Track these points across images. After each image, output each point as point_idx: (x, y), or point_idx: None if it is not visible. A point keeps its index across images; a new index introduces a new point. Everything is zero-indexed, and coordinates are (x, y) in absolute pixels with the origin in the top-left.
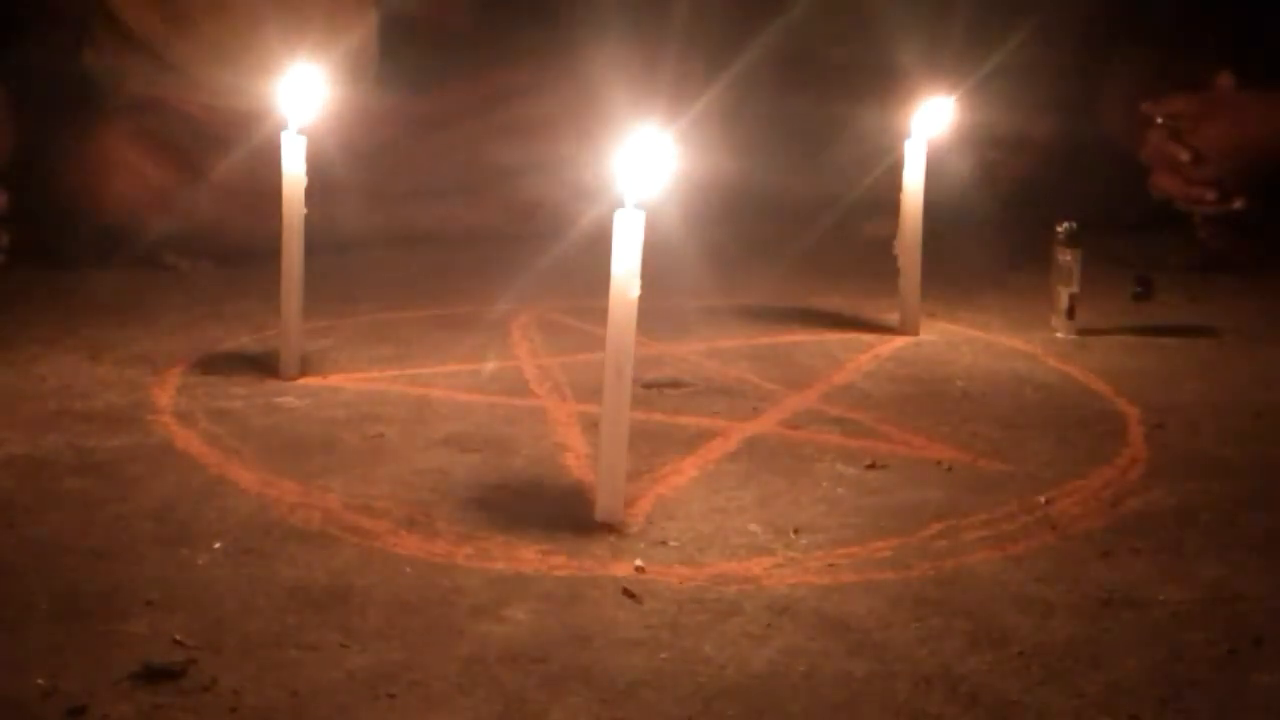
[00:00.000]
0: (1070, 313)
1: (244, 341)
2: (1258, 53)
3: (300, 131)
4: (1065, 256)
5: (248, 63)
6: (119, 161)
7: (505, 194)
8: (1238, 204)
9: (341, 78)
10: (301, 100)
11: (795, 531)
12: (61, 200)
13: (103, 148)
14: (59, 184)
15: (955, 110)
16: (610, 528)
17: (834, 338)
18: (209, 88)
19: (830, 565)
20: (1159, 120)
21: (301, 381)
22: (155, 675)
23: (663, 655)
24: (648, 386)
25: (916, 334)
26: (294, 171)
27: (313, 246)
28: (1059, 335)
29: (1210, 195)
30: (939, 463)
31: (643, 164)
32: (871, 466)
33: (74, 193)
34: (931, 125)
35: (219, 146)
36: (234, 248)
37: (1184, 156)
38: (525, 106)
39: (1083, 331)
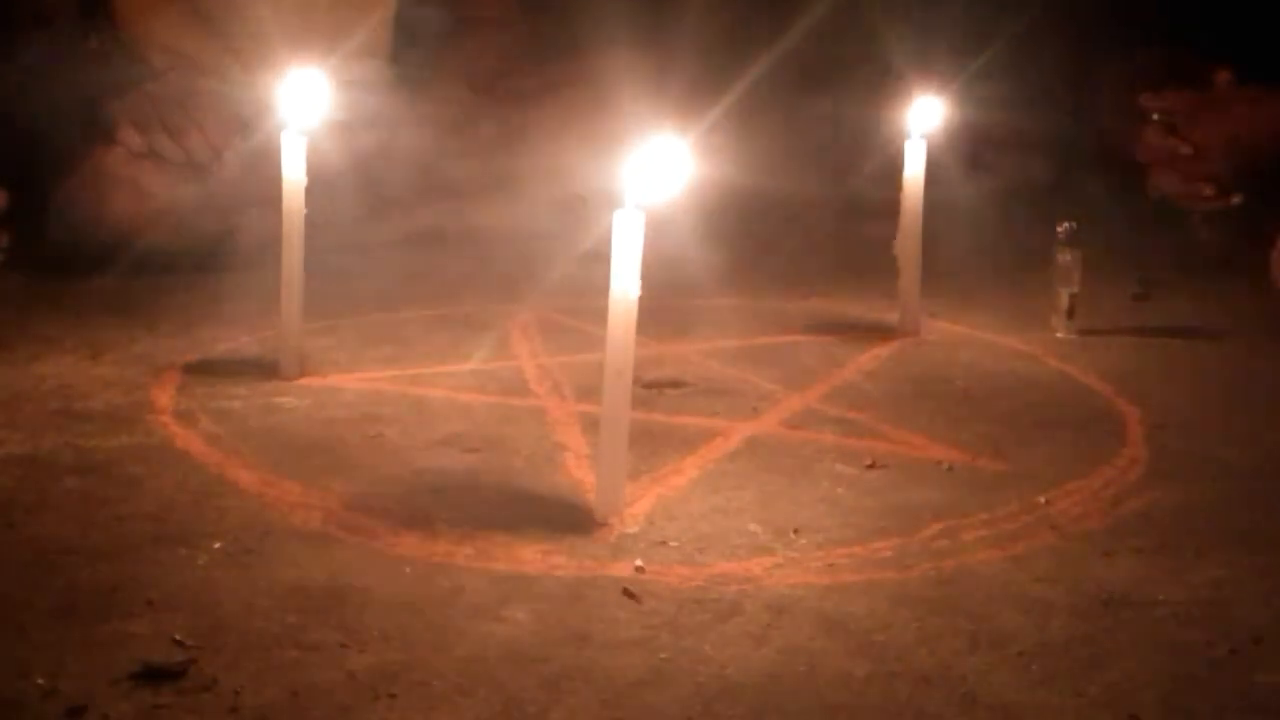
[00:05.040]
0: (1070, 313)
1: (244, 342)
2: (1257, 50)
3: (301, 132)
4: (1065, 256)
5: (256, 62)
6: (124, 181)
7: (511, 197)
8: (1236, 200)
9: (349, 73)
10: (305, 102)
11: (795, 531)
12: (63, 214)
13: (107, 169)
14: (61, 198)
15: (947, 108)
16: (610, 528)
17: (834, 338)
18: (207, 84)
19: (830, 565)
20: (1155, 117)
21: (301, 381)
22: (155, 675)
23: (663, 655)
24: (648, 386)
25: (916, 334)
26: (294, 172)
27: (316, 248)
28: (1059, 335)
29: (1208, 191)
30: (939, 463)
31: (653, 168)
32: (871, 466)
33: (79, 211)
34: (926, 121)
35: (221, 156)
36: (239, 255)
37: (1185, 150)
38: (535, 110)
39: (1083, 331)
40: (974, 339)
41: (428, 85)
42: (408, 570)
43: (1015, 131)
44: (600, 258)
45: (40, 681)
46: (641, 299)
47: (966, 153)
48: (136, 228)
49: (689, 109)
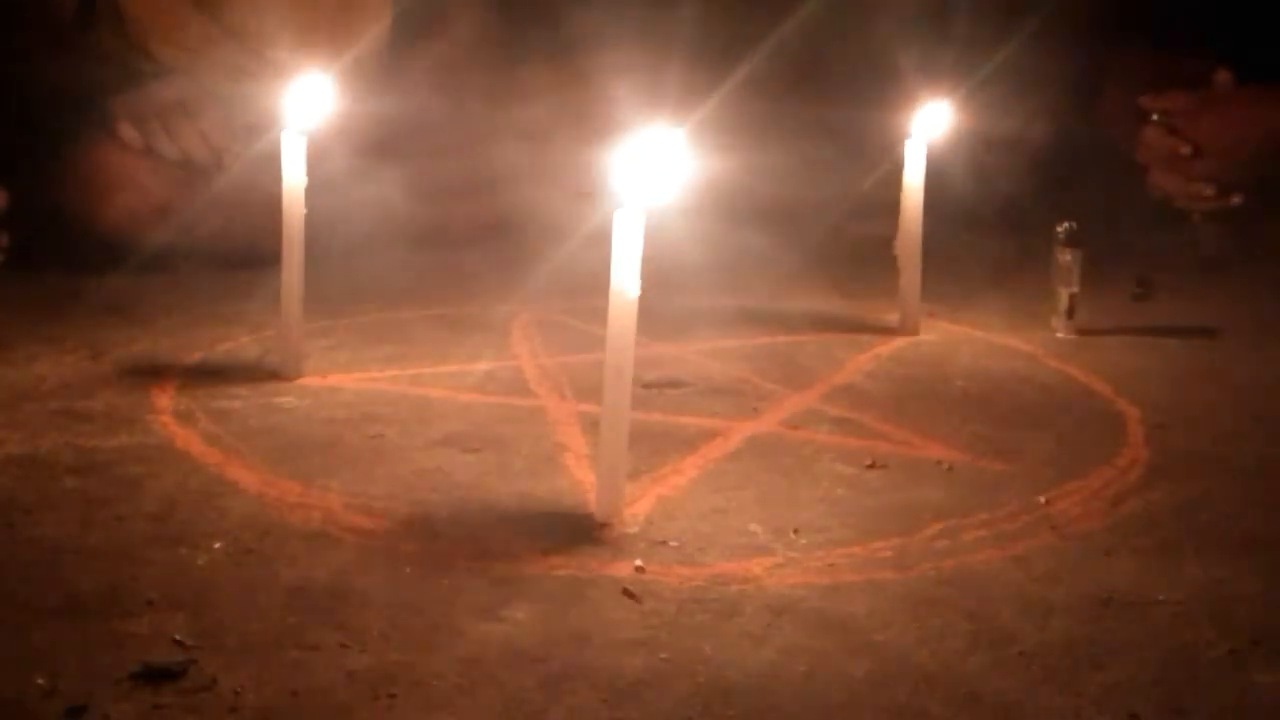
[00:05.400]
0: (1070, 313)
1: (244, 341)
2: (1258, 51)
3: (301, 133)
4: (1065, 256)
5: (255, 69)
6: (120, 177)
7: (509, 196)
8: (1236, 200)
9: (347, 76)
10: (307, 104)
11: (795, 531)
12: (62, 213)
13: (103, 164)
14: (61, 196)
15: (954, 113)
16: (610, 528)
17: (834, 338)
18: (210, 89)
19: (830, 565)
20: (1155, 117)
21: (301, 381)
22: (155, 675)
23: (663, 655)
24: (648, 386)
25: (916, 334)
26: (294, 172)
27: (317, 248)
28: (1059, 335)
29: (1208, 191)
30: (939, 463)
31: (649, 166)
32: (871, 466)
33: (75, 207)
34: (931, 128)
35: (222, 156)
36: (237, 255)
37: (1184, 150)
38: (531, 109)
39: (1083, 331)
40: (974, 339)
41: (420, 83)
42: (408, 570)
43: (1017, 133)
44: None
45: (40, 681)
46: (641, 299)
47: (967, 154)
48: (134, 225)
49: (687, 108)
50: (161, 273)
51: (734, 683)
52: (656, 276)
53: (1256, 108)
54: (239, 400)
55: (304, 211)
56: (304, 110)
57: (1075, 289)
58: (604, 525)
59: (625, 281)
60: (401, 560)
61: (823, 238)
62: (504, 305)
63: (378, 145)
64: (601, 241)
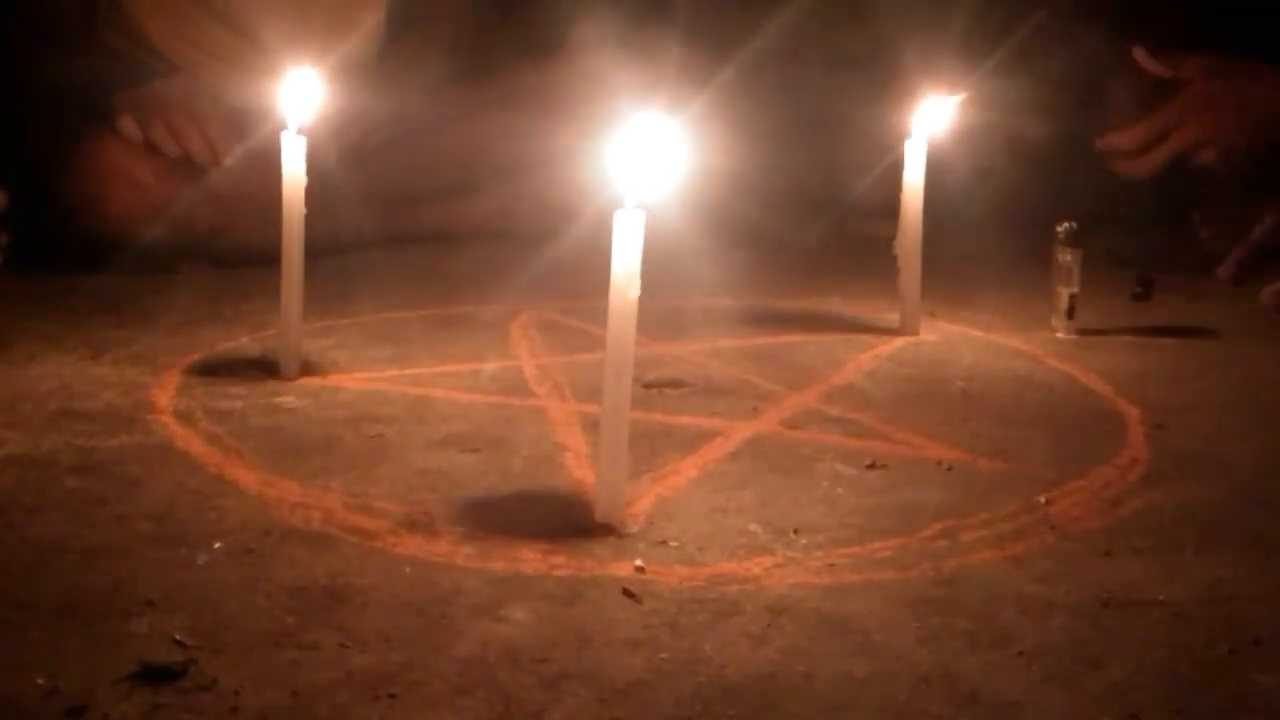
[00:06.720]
0: (1070, 313)
1: (244, 341)
2: (1258, 50)
3: (301, 132)
4: (1065, 256)
5: (252, 62)
6: (118, 171)
7: (509, 193)
8: (1207, 155)
9: (339, 73)
10: (302, 101)
11: (795, 531)
12: (61, 209)
13: (101, 158)
14: (58, 192)
15: (959, 110)
16: (610, 528)
17: (834, 338)
18: (212, 90)
19: (830, 565)
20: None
21: (301, 381)
22: (155, 675)
23: (663, 655)
24: (648, 386)
25: (916, 334)
26: (294, 172)
27: (314, 248)
28: (1059, 335)
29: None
30: (939, 463)
31: (645, 160)
32: (871, 466)
33: (73, 202)
34: (934, 124)
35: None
36: (236, 252)
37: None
38: (528, 104)
39: (1083, 331)
40: (974, 339)
41: (415, 82)
42: (408, 570)
43: (1016, 135)
44: None
45: (40, 681)
46: (641, 299)
47: (967, 155)
48: (132, 221)
49: (685, 106)
50: (161, 273)
51: (734, 683)
52: (657, 276)
53: (1258, 83)
54: (239, 400)
55: (304, 210)
56: (302, 109)
57: (1075, 289)
58: (604, 525)
59: (625, 281)
60: (401, 560)
61: (822, 236)
62: (504, 305)
63: (371, 141)
64: (601, 240)
